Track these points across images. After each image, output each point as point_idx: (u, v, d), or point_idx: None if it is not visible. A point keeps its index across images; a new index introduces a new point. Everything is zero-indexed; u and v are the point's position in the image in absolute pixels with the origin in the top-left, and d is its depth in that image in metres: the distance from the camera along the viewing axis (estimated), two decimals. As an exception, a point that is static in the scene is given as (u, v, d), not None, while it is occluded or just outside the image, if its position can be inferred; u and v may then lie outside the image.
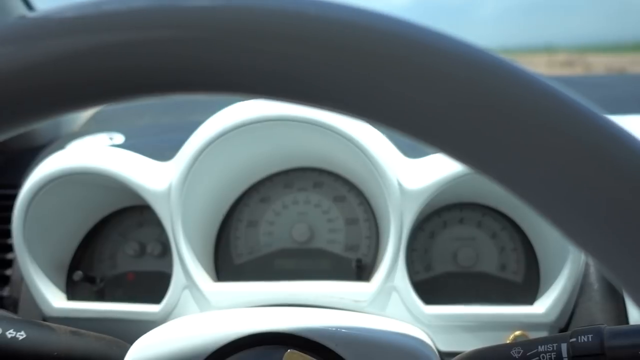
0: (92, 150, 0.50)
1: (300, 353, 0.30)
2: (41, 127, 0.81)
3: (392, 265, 0.46)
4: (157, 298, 0.51)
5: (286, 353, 0.30)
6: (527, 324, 0.46)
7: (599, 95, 0.80)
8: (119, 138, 0.76)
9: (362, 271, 0.53)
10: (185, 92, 0.17)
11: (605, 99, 0.78)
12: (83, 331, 0.41)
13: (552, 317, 0.45)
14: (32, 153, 0.74)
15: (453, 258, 0.52)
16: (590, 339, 0.32)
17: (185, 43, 0.16)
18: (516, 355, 0.35)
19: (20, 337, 0.38)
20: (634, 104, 0.76)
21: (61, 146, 0.76)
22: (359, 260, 0.51)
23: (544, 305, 0.45)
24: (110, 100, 0.18)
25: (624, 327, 0.33)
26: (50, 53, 0.16)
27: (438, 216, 0.54)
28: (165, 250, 0.57)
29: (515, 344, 0.35)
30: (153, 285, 0.56)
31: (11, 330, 0.38)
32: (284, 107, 0.45)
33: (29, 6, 0.79)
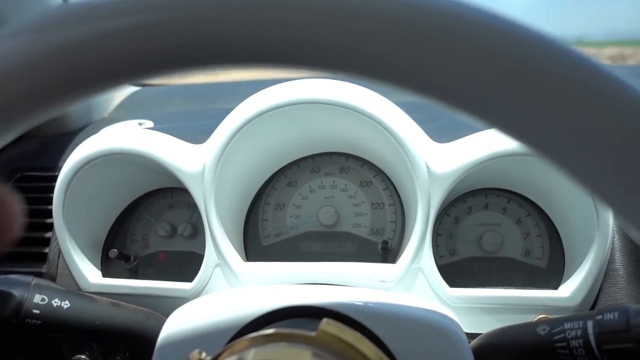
0: (130, 133, 0.52)
1: (336, 322, 0.31)
2: (73, 113, 0.83)
3: (418, 246, 0.47)
4: (187, 277, 0.52)
5: (323, 321, 0.31)
6: (552, 308, 0.46)
7: None
8: (148, 124, 0.78)
9: (387, 254, 0.54)
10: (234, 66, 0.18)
11: None
12: (122, 303, 0.43)
13: (577, 301, 0.46)
14: (65, 138, 0.77)
15: (478, 243, 0.53)
16: (616, 317, 0.32)
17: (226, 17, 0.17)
18: (542, 333, 0.35)
19: (65, 306, 0.40)
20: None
21: (93, 132, 0.78)
22: (384, 242, 0.52)
23: (569, 289, 0.46)
24: (154, 74, 0.19)
25: None
26: (101, 31, 0.17)
27: (463, 202, 0.54)
28: (195, 231, 0.59)
29: (541, 321, 0.36)
30: (183, 264, 0.58)
31: (56, 299, 0.40)
32: (317, 90, 0.46)
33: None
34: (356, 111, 0.45)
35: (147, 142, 0.50)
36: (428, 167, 0.46)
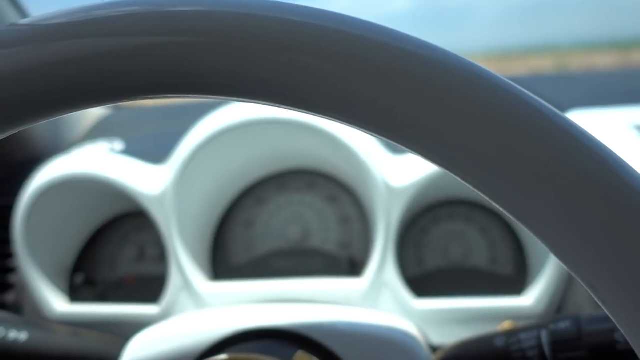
0: (88, 157, 0.52)
1: (310, 355, 0.31)
2: (43, 137, 0.83)
3: (381, 261, 0.47)
4: (157, 300, 0.52)
5: (297, 354, 0.30)
6: (516, 316, 0.46)
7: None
8: (119, 145, 0.77)
9: (354, 268, 0.54)
10: (180, 95, 0.18)
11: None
12: (83, 331, 0.42)
13: (541, 308, 0.46)
14: (33, 163, 0.76)
15: (444, 253, 0.53)
16: (568, 325, 0.33)
17: (178, 48, 0.16)
18: (499, 344, 0.35)
19: (22, 340, 0.39)
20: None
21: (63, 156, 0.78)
22: (350, 258, 0.52)
23: (532, 297, 0.46)
24: (104, 102, 0.18)
25: (601, 312, 0.34)
26: (40, 58, 0.17)
27: (429, 212, 0.55)
28: (163, 253, 0.58)
29: (498, 333, 0.36)
30: (153, 287, 0.57)
31: (14, 332, 0.39)
32: (273, 110, 0.46)
33: (24, 15, 0.81)
34: (312, 129, 0.45)
35: (104, 167, 0.50)
36: (386, 182, 0.46)
